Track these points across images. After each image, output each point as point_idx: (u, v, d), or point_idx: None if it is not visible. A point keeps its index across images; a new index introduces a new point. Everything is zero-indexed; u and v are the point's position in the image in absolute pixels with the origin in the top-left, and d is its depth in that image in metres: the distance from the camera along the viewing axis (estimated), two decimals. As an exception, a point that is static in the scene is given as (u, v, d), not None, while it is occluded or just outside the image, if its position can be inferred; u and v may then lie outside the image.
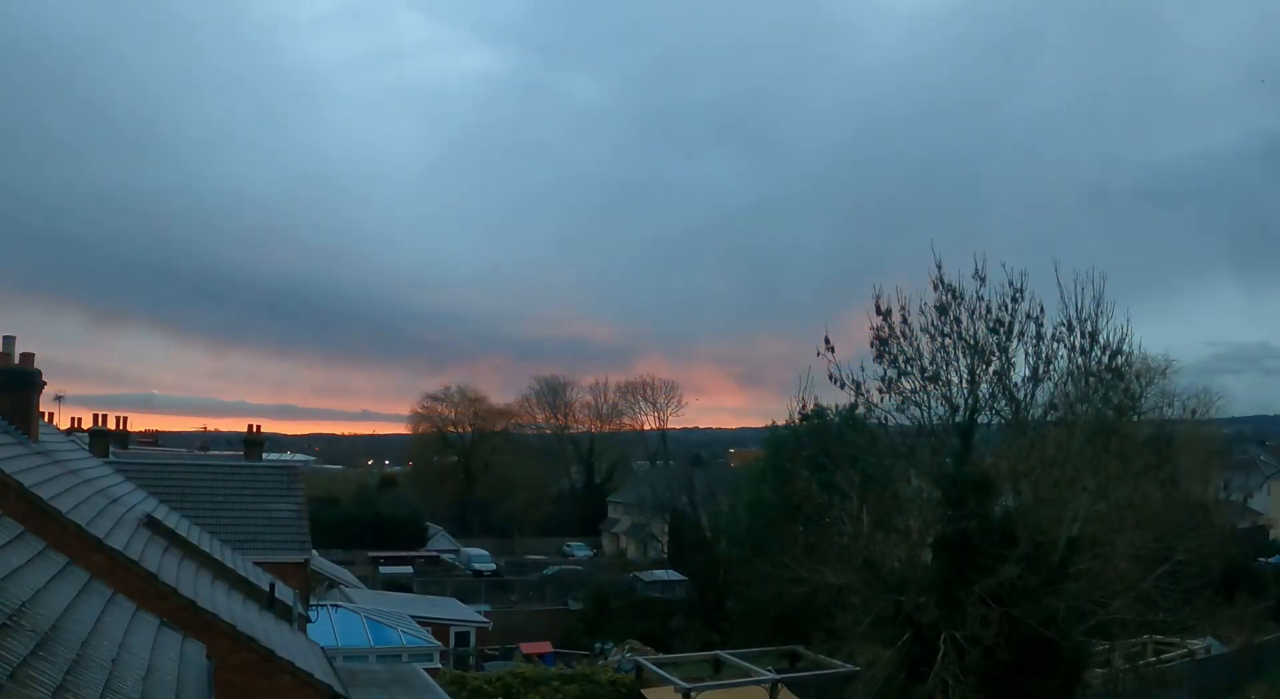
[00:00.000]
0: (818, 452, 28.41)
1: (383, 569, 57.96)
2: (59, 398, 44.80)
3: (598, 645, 44.49)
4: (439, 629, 36.15)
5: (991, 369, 23.83)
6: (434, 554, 67.41)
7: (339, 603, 31.24)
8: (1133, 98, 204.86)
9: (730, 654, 32.05)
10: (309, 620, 19.60)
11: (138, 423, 69.88)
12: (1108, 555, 23.18)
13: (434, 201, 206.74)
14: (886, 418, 24.72)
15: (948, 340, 23.67)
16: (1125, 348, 23.84)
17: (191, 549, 16.16)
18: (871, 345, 24.04)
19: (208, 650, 10.78)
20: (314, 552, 26.29)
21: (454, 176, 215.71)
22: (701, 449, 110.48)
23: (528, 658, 37.85)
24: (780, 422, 44.74)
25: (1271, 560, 56.11)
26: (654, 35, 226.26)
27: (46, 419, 20.07)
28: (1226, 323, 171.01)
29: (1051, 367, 24.02)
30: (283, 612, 16.37)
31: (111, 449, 26.03)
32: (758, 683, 28.16)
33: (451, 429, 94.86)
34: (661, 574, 54.87)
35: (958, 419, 23.92)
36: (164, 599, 11.91)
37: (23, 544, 9.76)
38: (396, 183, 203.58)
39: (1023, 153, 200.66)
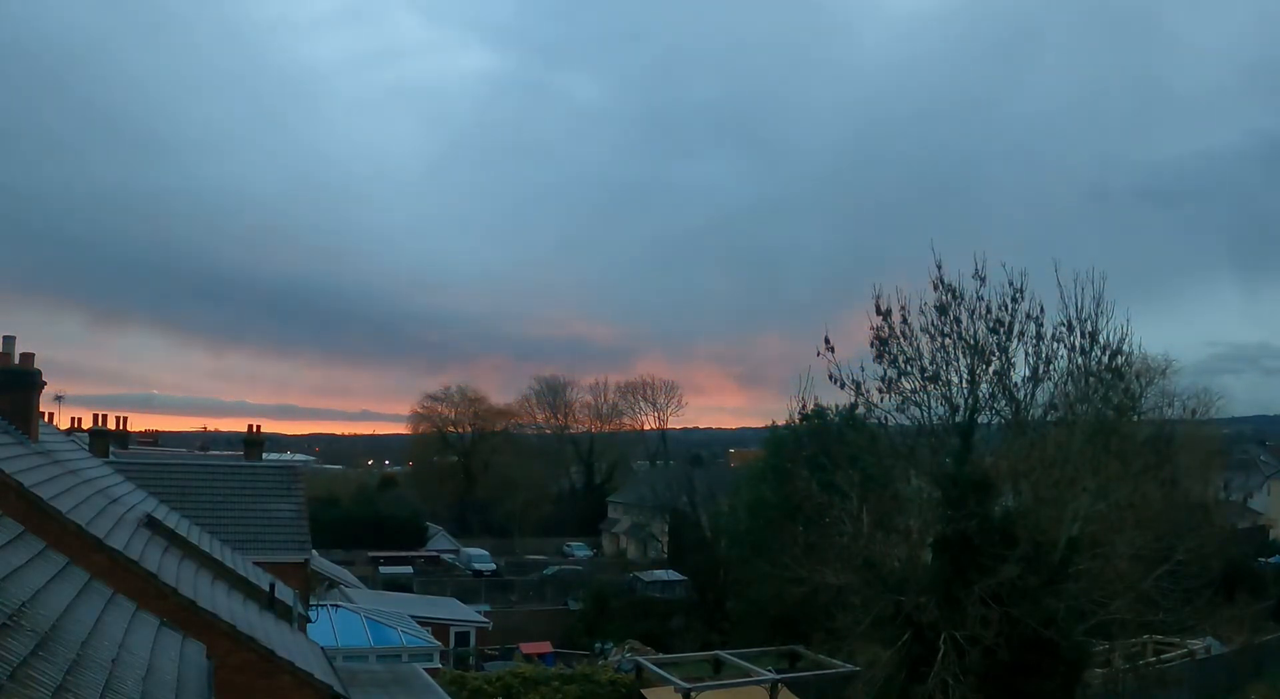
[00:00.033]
0: (818, 452, 28.41)
1: (383, 569, 57.95)
2: (59, 398, 44.85)
3: (598, 645, 44.49)
4: (439, 629, 36.15)
5: (991, 369, 23.85)
6: (434, 554, 67.41)
7: (339, 603, 31.23)
8: (1132, 98, 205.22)
9: (730, 654, 32.05)
10: (309, 620, 19.60)
11: (138, 423, 69.92)
12: (1108, 555, 23.18)
13: (434, 201, 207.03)
14: (886, 418, 24.75)
15: (948, 340, 23.68)
16: (1125, 348, 23.88)
17: (191, 549, 16.16)
18: (871, 345, 24.06)
19: (208, 650, 10.77)
20: (314, 552, 26.29)
21: (454, 176, 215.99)
22: (701, 449, 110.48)
23: (528, 658, 37.84)
24: (780, 422, 44.81)
25: (1271, 560, 56.09)
26: (654, 35, 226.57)
27: (46, 419, 20.07)
28: (1226, 323, 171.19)
29: (1051, 366, 24.06)
30: (283, 612, 16.36)
31: (111, 449, 26.03)
32: (758, 683, 28.16)
33: (451, 429, 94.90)
34: (661, 574, 54.87)
35: (958, 419, 23.91)
36: (164, 599, 11.91)
37: (23, 544, 9.76)
38: (396, 183, 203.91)
39: (1022, 153, 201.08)
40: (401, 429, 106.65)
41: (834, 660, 28.79)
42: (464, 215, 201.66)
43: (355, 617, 29.84)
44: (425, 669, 26.58)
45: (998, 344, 23.68)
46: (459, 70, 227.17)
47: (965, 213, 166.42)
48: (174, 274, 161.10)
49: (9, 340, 15.03)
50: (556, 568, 65.02)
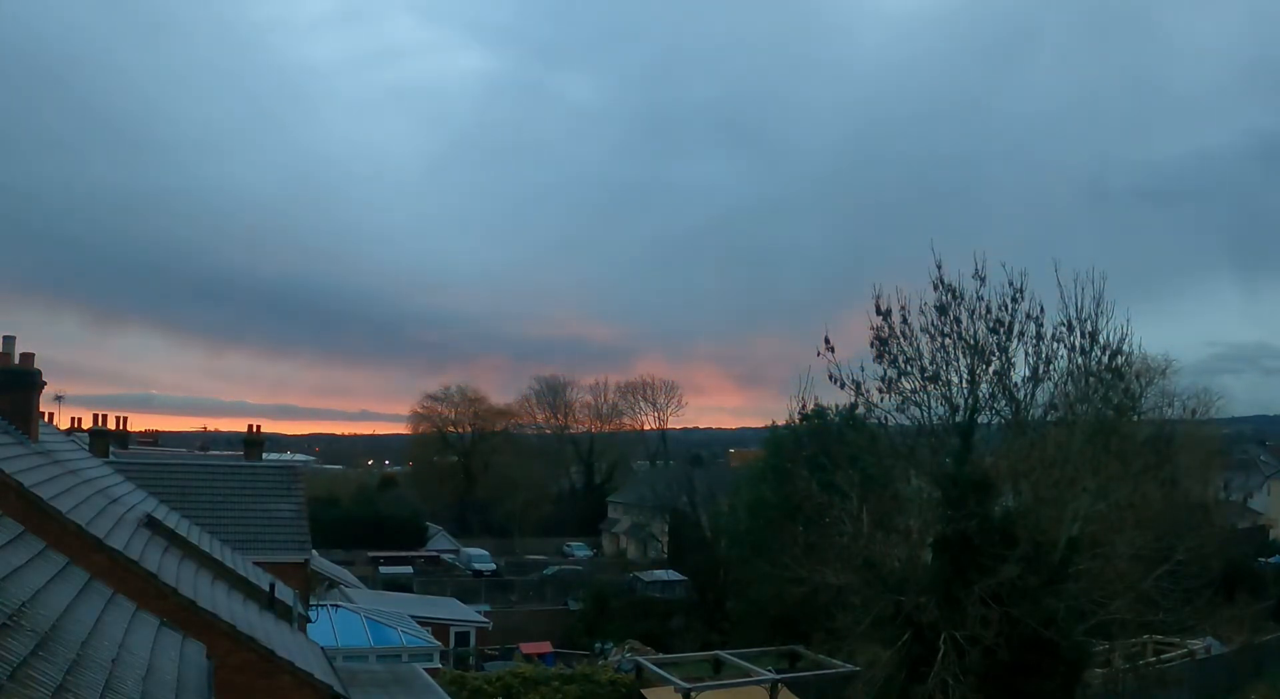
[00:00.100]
0: (818, 452, 28.41)
1: (383, 569, 57.95)
2: (59, 398, 44.87)
3: (598, 645, 44.48)
4: (439, 629, 36.15)
5: (991, 369, 23.84)
6: (434, 554, 67.41)
7: (339, 603, 31.22)
8: (1131, 98, 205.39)
9: (730, 654, 32.06)
10: (309, 620, 19.59)
11: (137, 423, 69.95)
12: (1108, 555, 23.17)
13: (434, 201, 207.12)
14: (886, 418, 24.74)
15: (948, 340, 23.67)
16: (1125, 348, 23.87)
17: (191, 549, 16.16)
18: (871, 345, 24.05)
19: (208, 650, 10.77)
20: (314, 552, 26.28)
21: (454, 176, 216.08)
22: (701, 449, 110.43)
23: (528, 658, 37.83)
24: (780, 422, 44.81)
25: (1271, 560, 56.08)
26: (653, 35, 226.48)
27: (46, 419, 20.07)
28: (1226, 323, 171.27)
29: (1051, 367, 24.05)
30: (283, 612, 16.36)
31: (111, 449, 26.03)
32: (758, 683, 28.16)
33: (451, 429, 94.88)
34: (661, 574, 54.86)
35: (958, 419, 23.90)
36: (164, 599, 11.91)
37: (23, 544, 9.76)
38: (396, 183, 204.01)
39: (1022, 153, 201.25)
40: (401, 429, 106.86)
41: (834, 660, 28.80)
42: (464, 215, 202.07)
43: (355, 617, 29.84)
44: (425, 669, 26.59)
45: (998, 344, 23.68)
46: (458, 70, 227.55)
47: (965, 213, 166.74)
48: (173, 274, 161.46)
49: (9, 340, 15.03)
50: (556, 568, 65.01)
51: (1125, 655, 28.33)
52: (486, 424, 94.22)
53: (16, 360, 14.99)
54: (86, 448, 22.27)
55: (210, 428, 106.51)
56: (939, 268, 23.61)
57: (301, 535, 23.67)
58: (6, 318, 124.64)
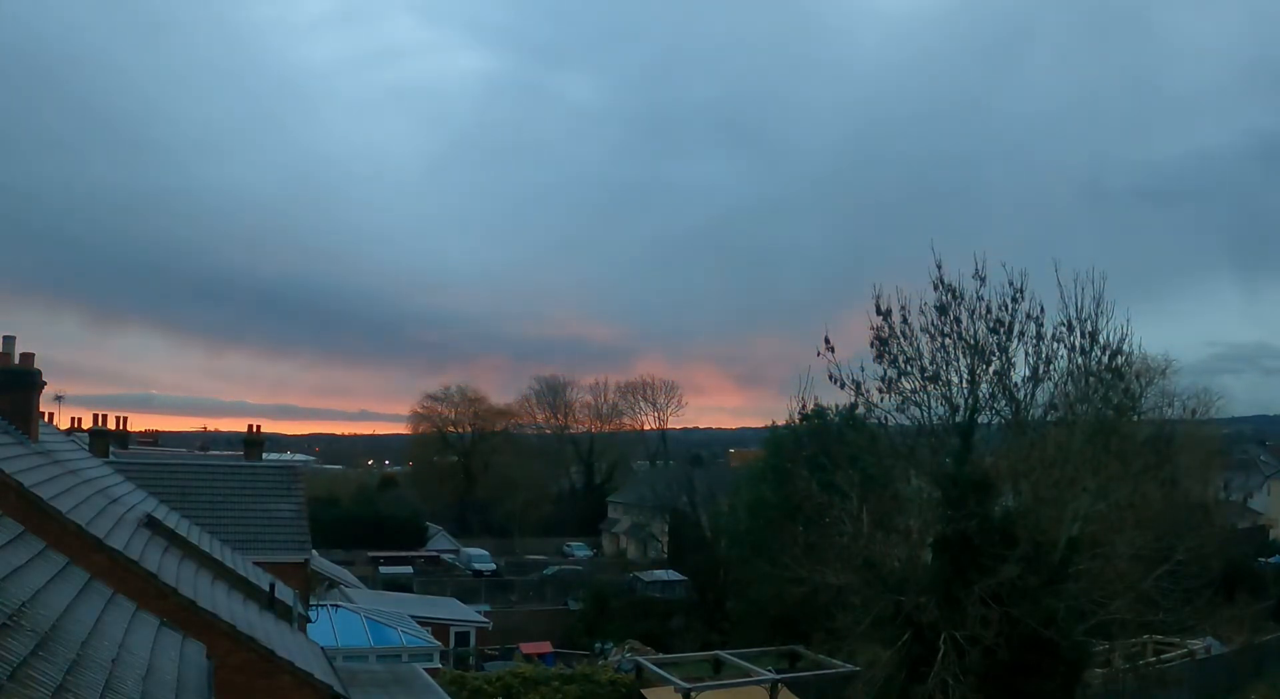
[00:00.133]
0: (818, 452, 28.39)
1: (383, 569, 57.95)
2: (59, 398, 44.85)
3: (598, 645, 44.48)
4: (439, 629, 36.15)
5: (991, 369, 23.84)
6: (434, 554, 67.41)
7: (339, 603, 31.23)
8: (1130, 98, 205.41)
9: (730, 654, 32.06)
10: (309, 620, 19.60)
11: (137, 423, 69.85)
12: (1108, 555, 23.17)
13: (434, 201, 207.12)
14: (886, 418, 24.74)
15: (948, 340, 23.67)
16: (1125, 348, 23.87)
17: (191, 549, 16.16)
18: (871, 345, 24.05)
19: (208, 650, 10.77)
20: (314, 552, 26.28)
21: (453, 176, 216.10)
22: (701, 449, 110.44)
23: (528, 658, 37.83)
24: (780, 422, 44.78)
25: (1271, 560, 56.08)
26: (652, 35, 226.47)
27: (46, 419, 20.07)
28: (1226, 323, 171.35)
29: (1051, 367, 24.05)
30: (283, 612, 16.36)
31: (111, 449, 26.02)
32: (758, 683, 28.16)
33: (451, 429, 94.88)
34: (661, 574, 54.86)
35: (958, 419, 23.90)
36: (164, 599, 11.91)
37: (23, 544, 9.76)
38: (396, 183, 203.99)
39: (1021, 153, 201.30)
40: (401, 429, 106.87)
41: (834, 660, 28.79)
42: (464, 215, 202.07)
43: (355, 617, 29.84)
44: (425, 669, 26.59)
45: (998, 344, 23.68)
46: (458, 71, 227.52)
47: (965, 213, 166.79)
48: (173, 274, 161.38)
49: (9, 340, 15.03)
50: (556, 568, 65.00)
51: (1125, 655, 28.33)
52: (486, 424, 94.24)
53: (16, 360, 14.99)
54: (86, 448, 22.27)
55: (210, 428, 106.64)
56: (939, 268, 23.64)
57: (301, 535, 23.67)
58: (6, 318, 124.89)
